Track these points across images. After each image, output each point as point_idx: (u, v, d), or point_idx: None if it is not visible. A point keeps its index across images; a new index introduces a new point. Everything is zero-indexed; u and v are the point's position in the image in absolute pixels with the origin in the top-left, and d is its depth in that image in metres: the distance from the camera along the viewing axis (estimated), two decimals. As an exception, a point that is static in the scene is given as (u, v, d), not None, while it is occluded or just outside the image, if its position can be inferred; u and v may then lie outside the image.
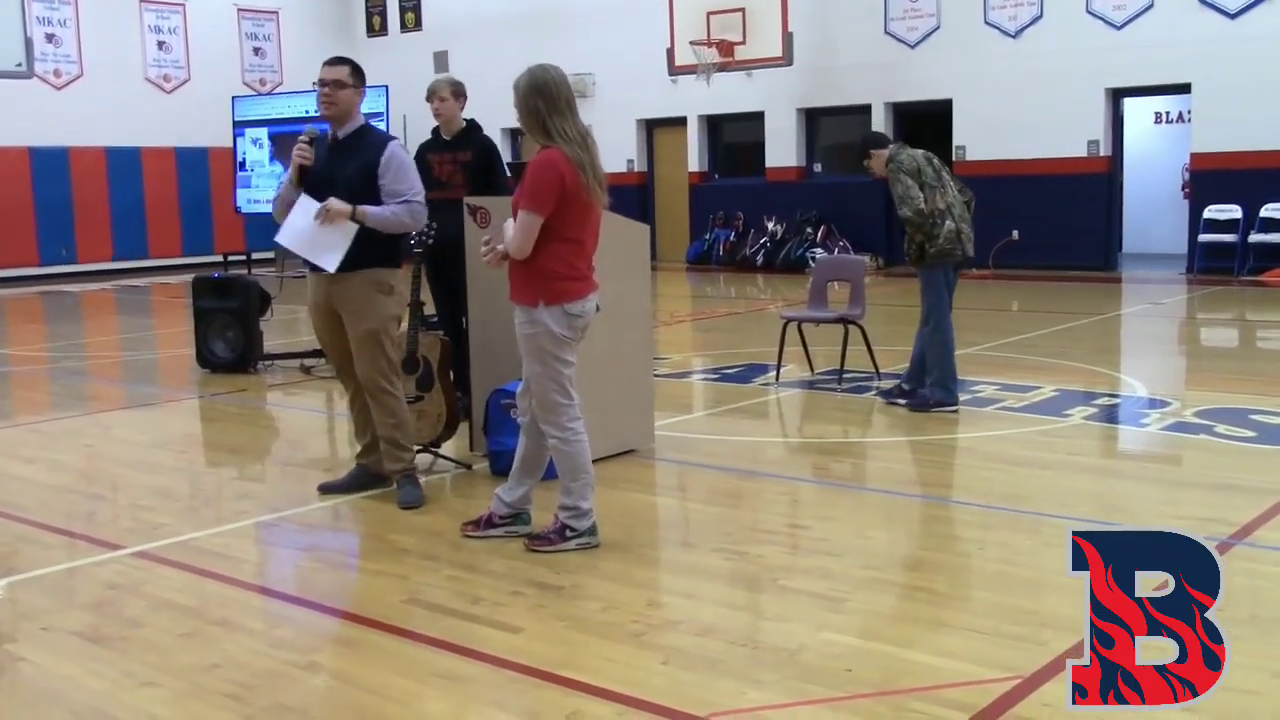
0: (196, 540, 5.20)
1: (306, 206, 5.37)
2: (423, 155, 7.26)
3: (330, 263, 5.36)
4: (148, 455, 7.02)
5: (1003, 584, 4.40)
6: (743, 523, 5.30)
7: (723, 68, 18.41)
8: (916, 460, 6.57)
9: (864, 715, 3.34)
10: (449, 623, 4.14)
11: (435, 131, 7.44)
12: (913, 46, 17.78)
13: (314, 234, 5.35)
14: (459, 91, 7.30)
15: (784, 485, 6.04)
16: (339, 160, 5.42)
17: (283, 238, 5.46)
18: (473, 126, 7.39)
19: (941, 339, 7.45)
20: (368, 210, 5.37)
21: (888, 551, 4.88)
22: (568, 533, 4.84)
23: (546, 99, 4.71)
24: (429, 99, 7.29)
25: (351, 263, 5.43)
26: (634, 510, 5.51)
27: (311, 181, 5.41)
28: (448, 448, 6.44)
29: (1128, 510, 5.35)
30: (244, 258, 19.32)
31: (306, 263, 5.52)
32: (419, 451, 6.24)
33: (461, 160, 7.25)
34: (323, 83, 5.45)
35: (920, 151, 7.48)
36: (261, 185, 16.19)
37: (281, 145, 16.83)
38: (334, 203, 5.31)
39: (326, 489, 5.82)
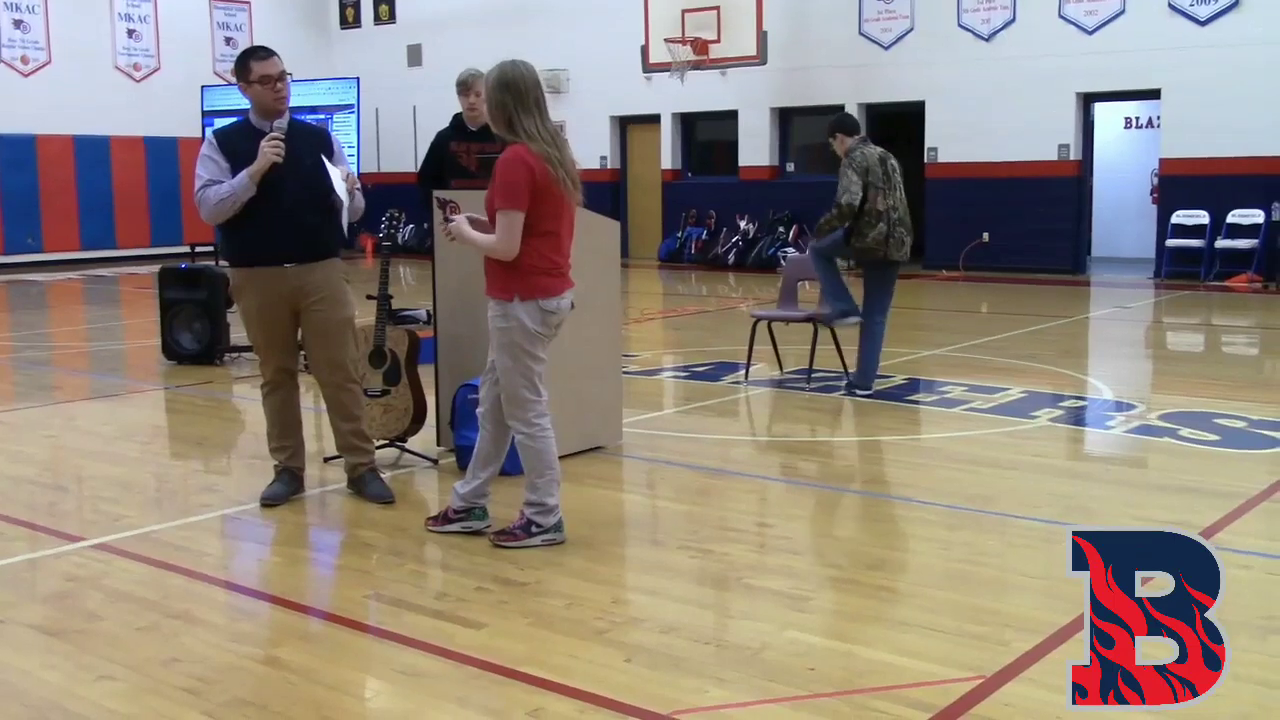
0: (159, 533, 5.15)
1: (334, 173, 5.34)
2: (443, 145, 7.30)
3: (343, 209, 5.43)
4: (111, 446, 6.95)
5: (966, 584, 4.41)
6: (709, 521, 5.29)
7: (697, 66, 18.40)
8: (883, 460, 6.59)
9: (826, 714, 3.34)
10: (412, 618, 4.11)
11: (456, 121, 7.43)
12: (886, 48, 17.83)
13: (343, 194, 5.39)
14: None
15: (751, 484, 6.04)
16: (289, 152, 5.26)
17: (339, 187, 5.38)
18: None
19: (866, 329, 8.03)
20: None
21: (853, 551, 4.88)
22: (533, 529, 4.82)
23: (515, 96, 4.68)
24: (465, 93, 7.27)
25: (325, 250, 5.41)
26: (600, 507, 5.50)
27: (271, 177, 5.22)
28: (414, 442, 6.40)
29: (1093, 512, 5.38)
30: (212, 249, 19.14)
31: (269, 254, 5.34)
32: (384, 446, 6.22)
33: (490, 151, 7.29)
34: (270, 78, 5.29)
35: (878, 151, 7.95)
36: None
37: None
38: (352, 174, 5.35)
39: (268, 502, 5.53)
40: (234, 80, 5.54)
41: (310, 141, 5.43)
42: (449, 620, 4.07)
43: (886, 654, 3.74)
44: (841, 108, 18.01)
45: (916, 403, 7.91)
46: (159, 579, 4.59)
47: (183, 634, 3.99)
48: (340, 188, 5.32)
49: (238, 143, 5.33)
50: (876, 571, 4.60)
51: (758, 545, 4.98)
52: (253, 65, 5.31)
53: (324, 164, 5.34)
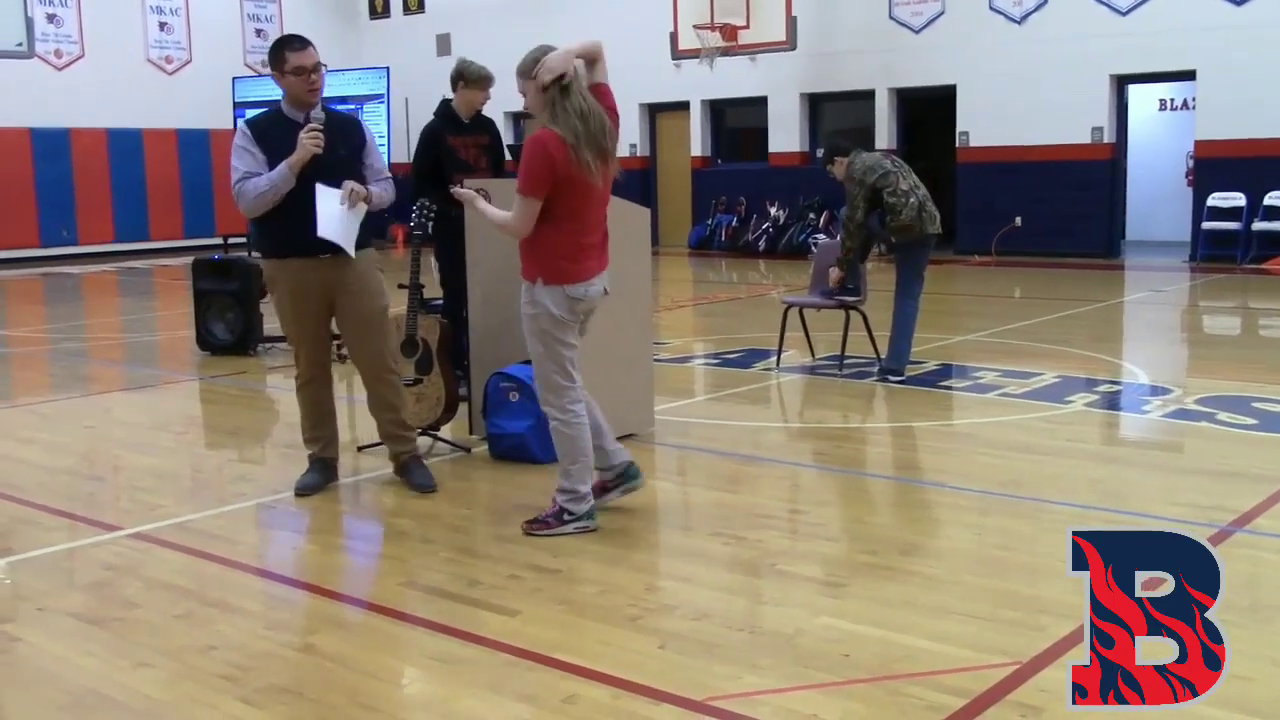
0: (195, 522, 5.19)
1: (328, 193, 5.22)
2: (441, 138, 7.33)
3: (351, 247, 5.27)
4: (147, 437, 7.01)
5: (1001, 570, 4.39)
6: (741, 507, 5.28)
7: (726, 52, 18.35)
8: (916, 446, 6.56)
9: (861, 700, 3.33)
10: (446, 605, 4.13)
11: (449, 114, 7.45)
12: (917, 31, 17.70)
13: (345, 220, 5.24)
14: None
15: (783, 470, 6.03)
16: (324, 143, 5.24)
17: (326, 231, 5.20)
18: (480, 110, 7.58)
19: (899, 312, 8.03)
20: (373, 190, 5.38)
21: (886, 537, 4.87)
22: (565, 516, 4.83)
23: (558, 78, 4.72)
24: (486, 87, 7.41)
25: (359, 241, 5.41)
26: (632, 494, 5.49)
27: (306, 169, 5.21)
28: (446, 431, 6.42)
29: (1128, 497, 5.33)
30: (244, 240, 19.28)
31: (303, 246, 5.30)
32: (418, 434, 6.23)
33: (483, 143, 7.41)
34: (305, 69, 5.26)
35: (875, 153, 8.26)
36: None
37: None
38: (357, 186, 5.25)
39: (303, 492, 5.55)
40: (267, 70, 5.52)
41: (340, 134, 5.41)
42: (483, 607, 4.09)
43: (921, 640, 3.73)
44: (871, 93, 17.99)
45: (949, 388, 7.87)
46: (195, 567, 4.63)
47: (219, 622, 4.03)
48: (331, 210, 5.21)
49: (272, 133, 5.31)
50: (910, 557, 4.58)
51: (790, 532, 4.97)
52: (288, 55, 5.29)
53: (317, 187, 5.23)
